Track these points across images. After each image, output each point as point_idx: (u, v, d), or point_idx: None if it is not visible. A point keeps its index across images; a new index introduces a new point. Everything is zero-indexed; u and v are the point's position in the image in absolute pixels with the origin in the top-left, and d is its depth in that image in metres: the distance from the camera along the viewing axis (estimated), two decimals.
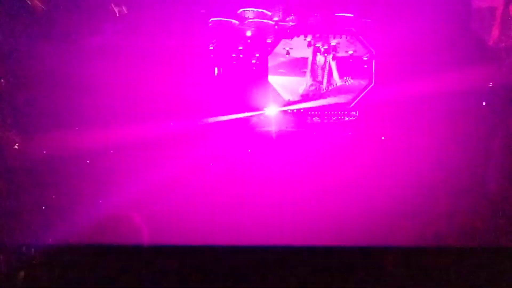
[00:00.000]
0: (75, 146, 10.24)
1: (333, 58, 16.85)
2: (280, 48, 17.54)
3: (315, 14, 15.77)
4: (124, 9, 14.10)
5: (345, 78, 16.86)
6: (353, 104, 17.13)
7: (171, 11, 14.73)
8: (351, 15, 16.07)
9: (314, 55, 17.19)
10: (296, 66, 17.51)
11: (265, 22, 17.11)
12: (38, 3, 12.34)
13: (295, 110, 16.83)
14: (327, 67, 16.96)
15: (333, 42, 16.91)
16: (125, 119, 12.05)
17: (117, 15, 14.07)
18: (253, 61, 17.78)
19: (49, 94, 12.04)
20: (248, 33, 17.18)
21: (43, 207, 7.35)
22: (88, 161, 9.18)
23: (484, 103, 11.57)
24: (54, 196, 7.38)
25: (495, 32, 12.75)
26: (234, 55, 17.54)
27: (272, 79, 17.49)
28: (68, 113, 11.69)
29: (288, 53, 17.16)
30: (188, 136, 12.60)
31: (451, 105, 11.49)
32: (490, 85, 13.24)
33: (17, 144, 9.83)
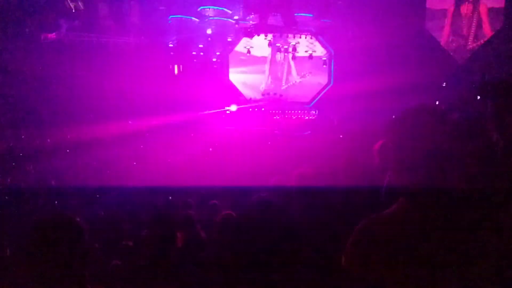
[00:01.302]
0: (28, 142, 9.91)
1: (293, 58, 17.05)
2: (241, 46, 17.61)
3: (275, 14, 15.91)
4: (81, 5, 13.73)
5: (303, 73, 17.08)
6: (312, 103, 17.41)
7: (129, 7, 14.48)
8: (311, 15, 16.32)
9: (274, 54, 17.34)
10: (257, 64, 17.63)
11: (225, 20, 17.11)
12: None
13: (256, 109, 16.93)
14: (286, 66, 17.13)
15: (293, 42, 17.13)
16: (81, 116, 11.75)
17: (73, 11, 13.69)
18: (214, 59, 17.75)
19: (1, 90, 11.61)
20: (209, 31, 17.12)
21: None
22: (44, 159, 8.89)
23: (437, 102, 11.96)
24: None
25: (447, 33, 13.19)
26: (194, 53, 17.46)
27: (233, 77, 17.53)
28: (20, 109, 11.29)
29: (249, 51, 17.24)
30: (146, 134, 12.41)
31: (406, 103, 11.81)
32: (444, 85, 13.76)
33: None
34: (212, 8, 15.68)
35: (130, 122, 12.49)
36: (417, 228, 1.52)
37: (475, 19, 12.78)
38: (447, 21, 13.02)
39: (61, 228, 1.84)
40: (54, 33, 13.53)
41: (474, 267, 1.42)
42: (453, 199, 1.52)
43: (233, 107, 16.97)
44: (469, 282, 1.43)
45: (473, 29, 12.85)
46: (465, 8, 12.78)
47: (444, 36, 13.21)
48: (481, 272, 1.41)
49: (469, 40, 13.02)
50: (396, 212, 1.60)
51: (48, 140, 10.52)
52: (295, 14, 15.52)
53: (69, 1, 13.63)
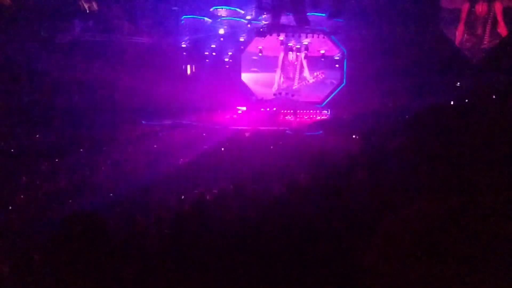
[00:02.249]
0: (44, 141, 10.04)
1: (305, 57, 17.02)
2: (253, 46, 17.63)
3: (288, 13, 15.88)
4: (94, 6, 13.85)
5: (315, 73, 17.03)
6: (325, 102, 17.36)
7: (143, 8, 14.58)
8: (324, 14, 16.26)
9: (286, 54, 17.32)
10: (269, 64, 17.63)
11: (238, 21, 17.13)
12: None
13: (268, 109, 16.93)
14: (298, 66, 17.10)
15: (305, 41, 17.09)
16: (94, 116, 11.86)
17: (87, 12, 13.82)
18: (226, 59, 17.80)
19: (17, 90, 11.77)
20: (221, 31, 17.18)
21: None
22: (58, 157, 9.00)
23: (452, 102, 11.85)
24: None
25: (461, 32, 13.06)
26: (207, 53, 17.52)
27: (245, 77, 17.56)
28: (36, 109, 11.44)
29: (261, 51, 17.25)
30: (159, 134, 12.48)
31: (421, 103, 11.74)
32: (458, 84, 13.62)
33: None
34: (224, 8, 15.72)
35: (143, 121, 12.58)
36: (443, 224, 1.51)
37: (490, 18, 12.63)
38: (462, 20, 12.88)
39: (88, 227, 1.87)
40: (68, 34, 13.68)
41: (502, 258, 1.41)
42: (477, 194, 1.52)
43: (245, 107, 17.00)
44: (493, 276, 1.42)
45: (488, 28, 12.71)
46: (480, 7, 12.64)
47: (458, 36, 13.07)
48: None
49: (484, 40, 12.87)
50: (419, 210, 1.60)
51: (63, 139, 10.64)
52: (308, 14, 15.46)
53: (83, 2, 13.77)
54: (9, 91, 11.42)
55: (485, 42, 12.85)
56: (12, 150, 8.99)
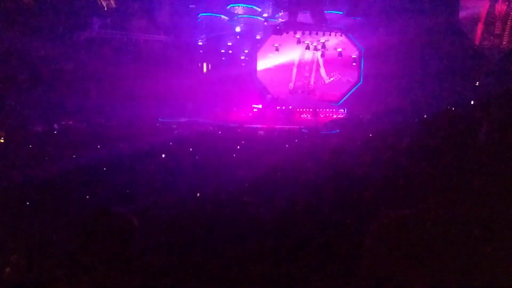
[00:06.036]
0: (62, 139, 10.14)
1: (322, 55, 16.89)
2: (270, 44, 17.57)
3: (305, 11, 15.79)
4: (112, 3, 13.98)
5: (332, 73, 16.89)
6: (341, 101, 17.22)
7: (160, 5, 14.66)
8: (341, 12, 16.13)
9: (303, 52, 17.22)
10: (286, 62, 17.54)
11: (254, 18, 17.11)
12: None
13: (283, 107, 16.86)
14: (315, 64, 16.98)
15: (322, 39, 16.96)
16: (111, 112, 11.96)
17: (105, 9, 13.95)
18: (242, 57, 17.78)
19: (36, 87, 11.93)
20: (238, 29, 17.18)
21: None
22: (75, 154, 9.08)
23: (472, 102, 11.66)
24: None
25: (480, 31, 12.86)
26: (223, 51, 17.54)
27: (261, 75, 17.51)
28: (54, 106, 11.59)
29: (277, 49, 17.19)
30: (175, 131, 12.53)
31: (439, 102, 11.57)
32: (477, 84, 13.38)
33: (1, 137, 9.71)
34: (241, 6, 15.74)
35: (159, 119, 12.65)
36: (445, 226, 1.49)
37: (510, 19, 12.40)
38: (481, 20, 12.68)
39: (102, 224, 1.85)
40: (86, 31, 13.84)
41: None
42: (483, 197, 1.49)
43: (261, 105, 16.96)
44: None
45: (507, 29, 12.47)
46: (499, 7, 12.42)
47: (477, 35, 12.86)
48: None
49: (504, 40, 12.64)
50: (422, 212, 1.57)
51: (78, 136, 10.76)
52: (325, 12, 15.36)
53: (101, 0, 13.91)
54: (25, 88, 11.60)
55: (504, 43, 12.61)
56: (30, 146, 9.10)
